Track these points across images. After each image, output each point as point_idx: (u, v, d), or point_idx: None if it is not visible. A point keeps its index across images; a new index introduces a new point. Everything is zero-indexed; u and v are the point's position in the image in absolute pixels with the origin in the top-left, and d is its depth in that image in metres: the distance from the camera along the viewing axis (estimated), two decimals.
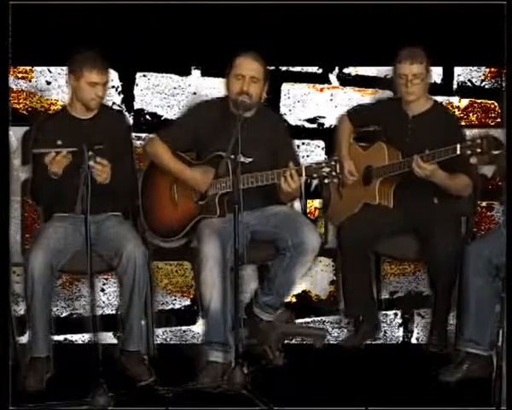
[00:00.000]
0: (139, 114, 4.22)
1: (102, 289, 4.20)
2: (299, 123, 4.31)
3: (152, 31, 4.04)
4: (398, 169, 3.75)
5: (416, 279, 4.33)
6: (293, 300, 4.25)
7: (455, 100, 4.30)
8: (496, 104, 4.30)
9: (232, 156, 3.32)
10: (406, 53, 3.73)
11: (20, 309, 3.88)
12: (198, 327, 4.15)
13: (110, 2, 3.92)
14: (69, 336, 4.15)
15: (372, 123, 4.02)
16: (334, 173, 3.50)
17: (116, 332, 3.85)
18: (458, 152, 3.50)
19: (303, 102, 4.30)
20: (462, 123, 4.12)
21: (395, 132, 3.87)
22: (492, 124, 4.30)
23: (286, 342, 3.89)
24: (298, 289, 4.19)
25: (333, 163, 3.50)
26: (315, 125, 4.32)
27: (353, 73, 4.31)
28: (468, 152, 3.44)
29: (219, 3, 3.98)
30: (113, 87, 4.17)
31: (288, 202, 3.83)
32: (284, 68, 4.27)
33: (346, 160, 3.93)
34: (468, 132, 3.87)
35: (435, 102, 3.89)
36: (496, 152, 3.35)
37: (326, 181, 3.55)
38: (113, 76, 4.17)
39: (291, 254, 3.62)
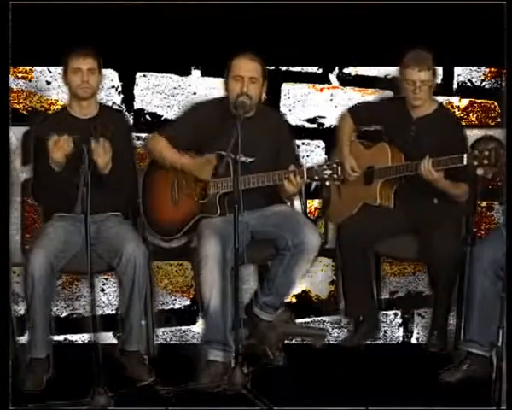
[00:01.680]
0: (139, 114, 4.23)
1: (102, 289, 4.20)
2: (299, 123, 4.31)
3: (152, 31, 4.04)
4: (403, 172, 3.74)
5: (416, 279, 4.33)
6: (293, 300, 4.25)
7: (455, 100, 4.30)
8: (496, 104, 4.30)
9: (232, 156, 3.32)
10: (414, 58, 3.70)
11: (20, 309, 3.88)
12: (198, 327, 4.15)
13: (110, 3, 3.92)
14: (69, 336, 4.15)
15: (374, 122, 4.00)
16: (335, 176, 3.49)
17: (116, 332, 3.85)
18: (465, 162, 3.49)
19: (303, 102, 4.31)
20: (462, 123, 4.11)
21: (398, 133, 3.85)
22: (492, 124, 4.30)
23: (286, 342, 3.89)
24: (298, 289, 4.19)
25: (334, 166, 3.49)
26: (315, 125, 4.32)
27: (353, 73, 4.31)
28: (475, 163, 3.43)
29: (219, 3, 3.98)
30: (113, 87, 4.18)
31: (289, 199, 3.83)
32: (284, 68, 4.27)
33: (346, 157, 3.93)
34: (469, 132, 3.87)
35: (440, 104, 3.88)
36: (501, 153, 3.34)
37: (327, 184, 3.54)
38: (113, 76, 4.18)
39: (291, 254, 3.62)
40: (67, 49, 3.63)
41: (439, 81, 4.21)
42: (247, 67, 3.64)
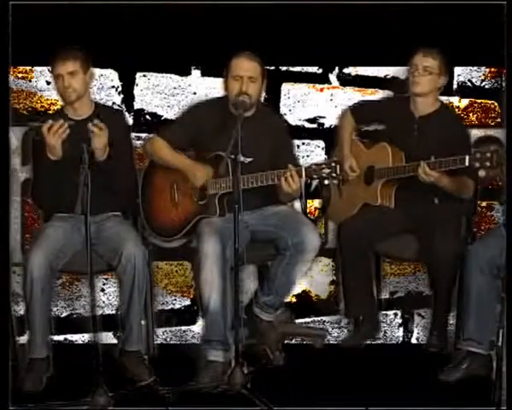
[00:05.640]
0: (139, 114, 4.23)
1: (102, 289, 4.20)
2: (299, 123, 4.31)
3: (152, 31, 4.04)
4: (403, 173, 3.73)
5: (415, 279, 4.33)
6: (293, 300, 4.25)
7: (455, 100, 4.30)
8: (496, 104, 4.31)
9: (232, 156, 3.32)
10: (423, 48, 3.74)
11: (20, 309, 3.88)
12: (198, 327, 4.15)
13: (110, 3, 3.92)
14: (69, 336, 4.15)
15: (376, 120, 4.00)
16: (334, 175, 3.50)
17: (116, 332, 3.85)
18: (467, 164, 3.48)
19: (303, 102, 4.31)
20: None
21: (400, 132, 3.84)
22: (492, 124, 4.30)
23: (286, 342, 3.89)
24: (298, 289, 4.19)
25: (333, 164, 3.50)
26: (315, 125, 4.32)
27: (353, 73, 4.31)
28: (477, 165, 3.43)
29: (219, 3, 3.98)
30: (113, 87, 4.18)
31: (288, 202, 3.83)
32: (284, 68, 4.27)
33: (346, 156, 3.93)
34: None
35: (442, 104, 3.88)
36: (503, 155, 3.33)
37: (326, 182, 3.55)
38: (113, 76, 4.18)
39: (291, 254, 3.62)
40: (67, 49, 3.63)
41: None
42: (245, 66, 3.64)
